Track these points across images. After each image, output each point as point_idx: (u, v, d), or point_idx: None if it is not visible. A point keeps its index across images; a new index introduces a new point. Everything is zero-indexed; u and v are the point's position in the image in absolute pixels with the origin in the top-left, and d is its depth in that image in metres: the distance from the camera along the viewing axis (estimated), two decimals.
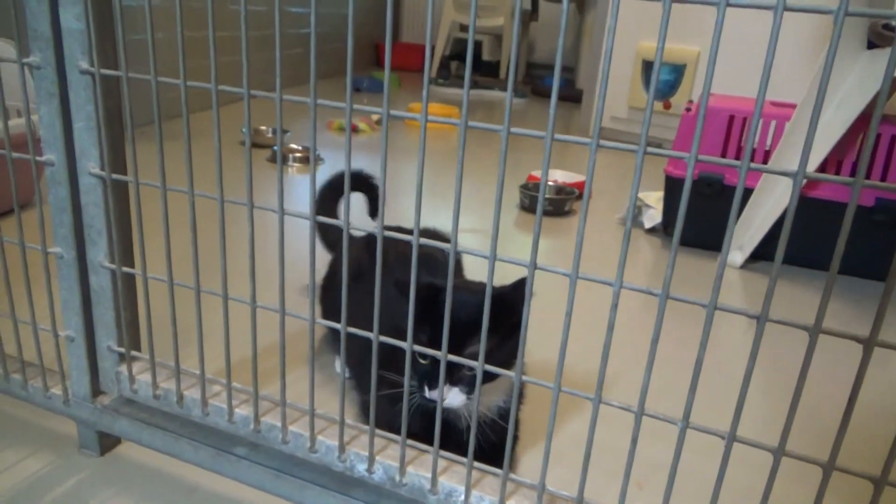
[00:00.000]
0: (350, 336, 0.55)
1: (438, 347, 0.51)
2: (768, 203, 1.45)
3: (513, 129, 0.46)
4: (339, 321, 0.54)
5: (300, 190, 1.81)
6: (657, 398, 0.93)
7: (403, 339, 0.52)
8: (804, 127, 1.39)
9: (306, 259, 0.58)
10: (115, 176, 0.60)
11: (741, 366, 1.05)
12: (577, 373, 1.00)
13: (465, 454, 0.55)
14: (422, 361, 0.65)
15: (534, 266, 0.48)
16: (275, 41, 0.50)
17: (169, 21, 2.33)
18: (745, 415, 0.92)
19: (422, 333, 0.62)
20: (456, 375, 0.63)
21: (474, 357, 0.51)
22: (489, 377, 0.60)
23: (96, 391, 0.70)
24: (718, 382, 0.99)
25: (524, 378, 0.51)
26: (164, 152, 0.56)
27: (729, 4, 0.40)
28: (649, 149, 0.44)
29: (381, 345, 0.53)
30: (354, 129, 2.57)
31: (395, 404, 0.64)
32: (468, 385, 0.64)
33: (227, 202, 0.56)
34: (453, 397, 0.63)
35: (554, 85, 0.43)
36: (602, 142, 0.44)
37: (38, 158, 0.61)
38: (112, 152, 0.61)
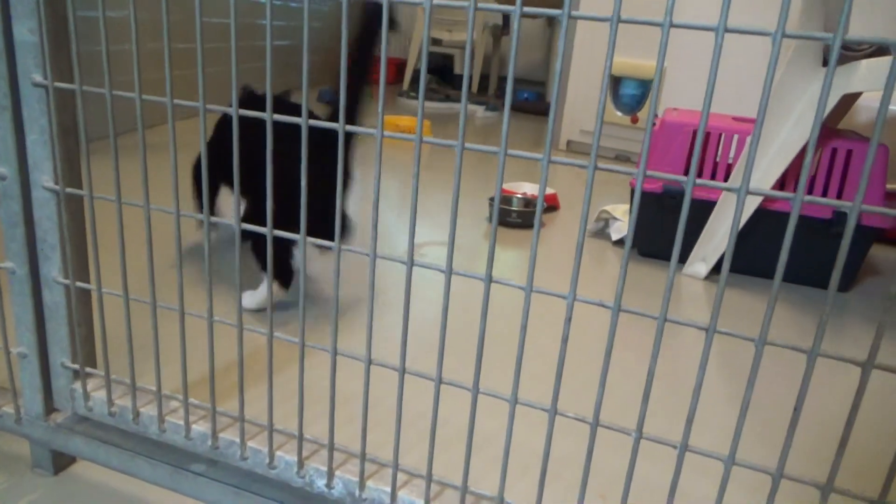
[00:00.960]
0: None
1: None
2: (730, 215, 1.48)
3: (467, 145, 0.46)
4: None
5: None
6: (623, 410, 0.94)
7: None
8: (763, 142, 1.42)
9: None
10: (69, 190, 0.60)
11: (707, 377, 1.06)
12: (542, 387, 1.00)
13: None
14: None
15: (489, 280, 0.49)
16: (238, 53, 0.50)
17: (130, 33, 2.30)
18: (709, 425, 0.93)
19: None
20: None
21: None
22: None
23: (50, 409, 0.69)
24: (683, 394, 1.00)
25: (481, 391, 0.51)
26: (126, 167, 0.56)
27: (673, 25, 0.41)
28: (599, 164, 0.45)
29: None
30: None
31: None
32: None
33: (183, 216, 0.56)
34: None
35: (506, 100, 0.44)
36: (553, 158, 0.45)
37: None
38: (66, 166, 0.60)
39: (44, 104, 0.58)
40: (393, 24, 1.40)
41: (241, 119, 0.50)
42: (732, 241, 0.44)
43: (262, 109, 0.49)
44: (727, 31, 0.40)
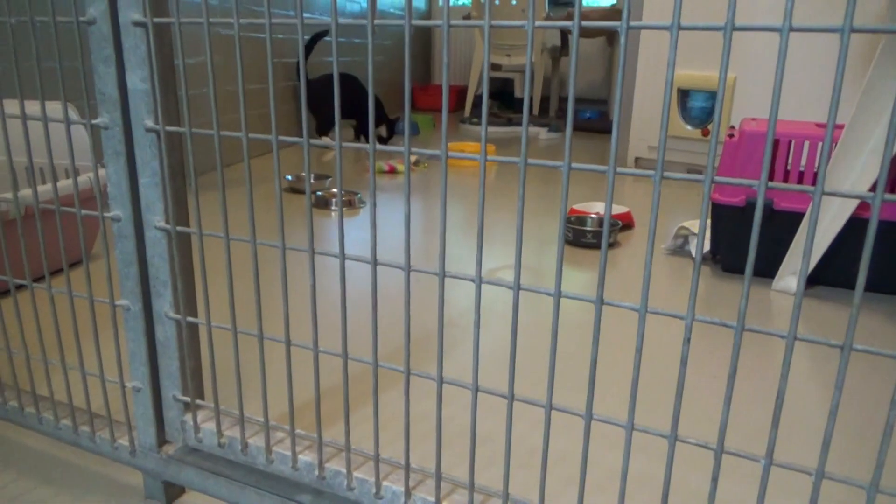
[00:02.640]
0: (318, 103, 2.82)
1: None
2: (822, 226, 1.41)
3: (529, 161, 0.46)
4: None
5: (348, 233, 1.83)
6: (706, 425, 0.90)
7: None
8: (853, 148, 1.36)
9: (361, 301, 0.58)
10: (179, 228, 0.62)
11: (802, 391, 1.01)
12: (616, 404, 0.97)
13: None
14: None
15: (559, 294, 0.48)
16: (303, 89, 0.51)
17: (226, 75, 2.42)
18: (811, 444, 0.88)
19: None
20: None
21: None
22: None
23: (162, 441, 0.71)
24: (772, 407, 0.95)
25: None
26: (229, 197, 0.58)
27: (735, 28, 0.40)
28: (666, 173, 0.43)
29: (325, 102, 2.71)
30: (393, 171, 2.61)
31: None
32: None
33: (288, 249, 0.57)
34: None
35: (569, 112, 0.43)
36: (619, 169, 0.44)
37: (105, 215, 0.64)
38: (175, 205, 0.63)
39: (155, 148, 0.61)
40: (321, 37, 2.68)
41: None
42: (811, 243, 0.41)
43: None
44: (792, 30, 0.38)
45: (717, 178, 0.45)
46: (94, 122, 0.62)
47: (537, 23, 0.45)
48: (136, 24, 0.58)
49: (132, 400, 0.70)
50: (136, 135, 0.61)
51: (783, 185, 0.42)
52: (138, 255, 0.64)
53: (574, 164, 0.46)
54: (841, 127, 1.50)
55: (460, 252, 1.68)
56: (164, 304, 0.65)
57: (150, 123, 0.60)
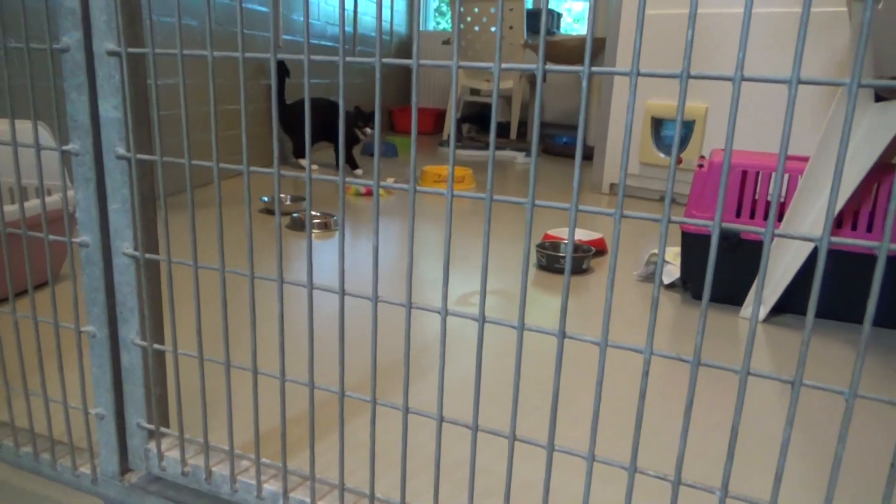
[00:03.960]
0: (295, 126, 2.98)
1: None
2: (788, 255, 1.45)
3: (495, 197, 0.47)
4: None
5: (322, 255, 1.83)
6: (688, 462, 0.91)
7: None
8: (817, 181, 1.40)
9: (332, 329, 0.58)
10: (148, 255, 0.62)
11: (770, 425, 1.02)
12: (585, 436, 0.98)
13: None
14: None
15: (521, 328, 0.49)
16: (275, 122, 0.52)
17: (198, 98, 2.42)
18: (787, 480, 0.89)
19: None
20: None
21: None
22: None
23: (125, 469, 0.70)
24: (748, 443, 0.97)
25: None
26: (198, 219, 0.58)
27: (744, 79, 0.42)
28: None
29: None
30: (370, 193, 2.62)
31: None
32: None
33: (257, 278, 0.57)
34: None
35: (532, 153, 0.45)
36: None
37: (73, 240, 0.63)
38: (145, 232, 0.63)
39: (126, 175, 0.61)
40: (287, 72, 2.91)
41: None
42: (817, 290, 0.43)
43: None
44: (801, 82, 0.40)
45: (676, 219, 0.46)
46: (65, 148, 0.62)
47: (504, 65, 0.46)
48: (111, 53, 0.59)
49: (95, 427, 0.69)
50: (106, 162, 0.61)
51: (736, 227, 0.43)
52: (106, 281, 0.64)
53: (538, 202, 0.47)
54: (803, 159, 1.54)
55: (436, 276, 1.69)
56: (131, 331, 0.65)
57: (121, 151, 0.60)
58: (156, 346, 0.65)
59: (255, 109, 2.91)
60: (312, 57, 0.50)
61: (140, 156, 0.60)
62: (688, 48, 0.42)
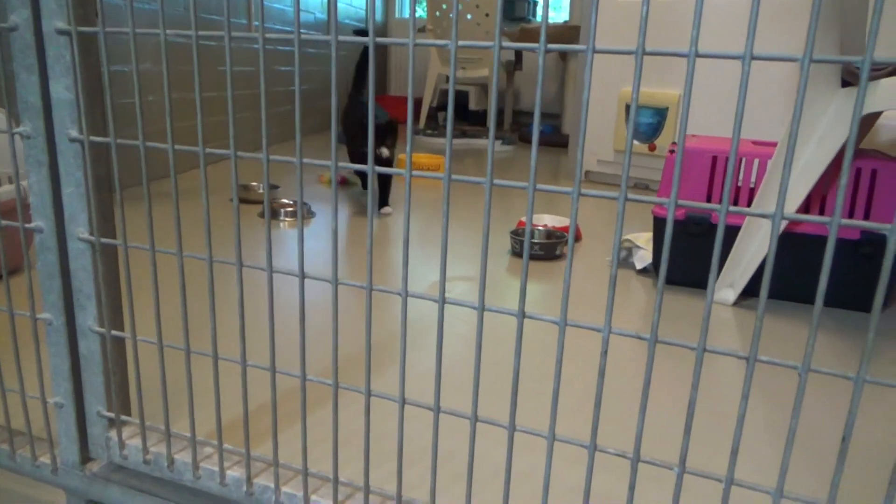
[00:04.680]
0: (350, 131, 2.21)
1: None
2: (756, 240, 1.47)
3: (496, 181, 0.47)
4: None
5: (293, 245, 1.82)
6: (659, 444, 0.92)
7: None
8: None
9: (296, 313, 0.58)
10: (104, 240, 0.61)
11: (736, 405, 1.04)
12: (577, 421, 0.99)
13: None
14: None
15: (521, 315, 0.49)
16: (263, 114, 0.51)
17: (158, 84, 2.37)
18: (751, 457, 0.91)
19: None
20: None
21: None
22: None
23: (85, 458, 0.69)
24: (718, 423, 0.98)
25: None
26: (157, 213, 0.57)
27: (699, 55, 0.42)
28: (630, 195, 0.45)
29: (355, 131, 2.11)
30: (345, 182, 2.60)
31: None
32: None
33: (216, 262, 0.56)
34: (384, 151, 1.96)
35: (534, 135, 0.44)
36: (583, 190, 0.45)
37: (26, 226, 0.62)
38: (101, 217, 0.61)
39: (79, 158, 0.60)
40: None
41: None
42: (770, 268, 0.43)
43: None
44: (754, 58, 0.40)
45: (683, 203, 0.46)
46: (15, 130, 0.60)
47: (504, 44, 0.46)
48: (61, 32, 0.57)
49: (54, 416, 0.68)
50: (59, 144, 0.60)
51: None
52: (61, 267, 0.62)
53: (539, 186, 0.47)
54: (773, 145, 1.56)
55: (412, 263, 1.68)
56: (89, 318, 0.63)
57: (74, 133, 0.59)
58: (114, 332, 0.63)
59: (217, 97, 2.87)
60: (303, 34, 0.49)
61: (93, 138, 0.58)
62: (643, 24, 0.42)
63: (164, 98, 2.37)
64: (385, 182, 2.20)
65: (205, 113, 3.05)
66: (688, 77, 0.42)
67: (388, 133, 2.05)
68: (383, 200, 2.19)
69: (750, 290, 1.51)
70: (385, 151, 2.02)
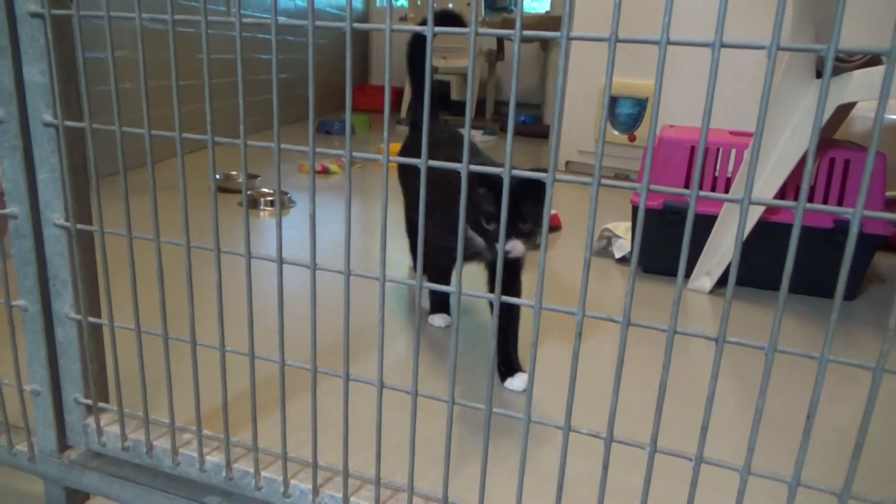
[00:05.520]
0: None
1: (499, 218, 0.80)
2: (732, 229, 1.49)
3: (472, 167, 0.47)
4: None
5: (273, 232, 1.81)
6: (633, 425, 0.94)
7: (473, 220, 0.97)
8: (762, 154, 1.44)
9: (275, 302, 0.58)
10: (80, 226, 0.60)
11: (717, 390, 1.06)
12: (553, 405, 1.00)
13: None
14: (488, 227, 0.96)
15: (499, 298, 0.49)
16: (241, 95, 0.51)
17: (137, 71, 2.34)
18: (719, 436, 0.93)
19: (488, 207, 0.95)
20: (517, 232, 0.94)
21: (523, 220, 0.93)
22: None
23: (63, 446, 0.69)
24: (692, 406, 1.00)
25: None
26: (138, 203, 0.56)
27: (670, 43, 0.42)
28: (603, 180, 0.46)
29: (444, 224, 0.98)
30: (326, 171, 2.59)
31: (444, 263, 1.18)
32: (525, 237, 0.95)
33: (193, 248, 0.56)
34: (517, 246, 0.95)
35: (510, 120, 0.45)
36: (558, 175, 0.46)
37: (1, 212, 0.61)
38: (77, 203, 0.61)
39: (54, 143, 0.59)
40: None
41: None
42: (738, 252, 0.44)
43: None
44: (723, 46, 0.41)
45: (655, 187, 0.47)
46: None
47: (480, 30, 0.46)
48: (34, 14, 0.56)
49: (31, 404, 0.67)
50: (33, 129, 0.59)
51: (715, 195, 0.44)
52: (37, 253, 0.62)
53: (514, 171, 0.47)
54: (750, 135, 1.58)
55: (390, 250, 1.68)
56: (65, 305, 0.63)
57: (48, 118, 0.58)
58: (91, 319, 0.63)
59: (196, 85, 2.84)
60: (280, 20, 0.49)
61: (68, 123, 0.58)
62: (616, 11, 0.43)
63: (142, 85, 2.34)
64: (512, 316, 1.07)
65: (184, 101, 3.01)
66: (659, 64, 0.42)
67: (527, 198, 0.92)
68: (508, 364, 1.05)
69: (726, 279, 1.53)
70: (518, 248, 0.95)
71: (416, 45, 1.37)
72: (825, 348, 0.42)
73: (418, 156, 0.46)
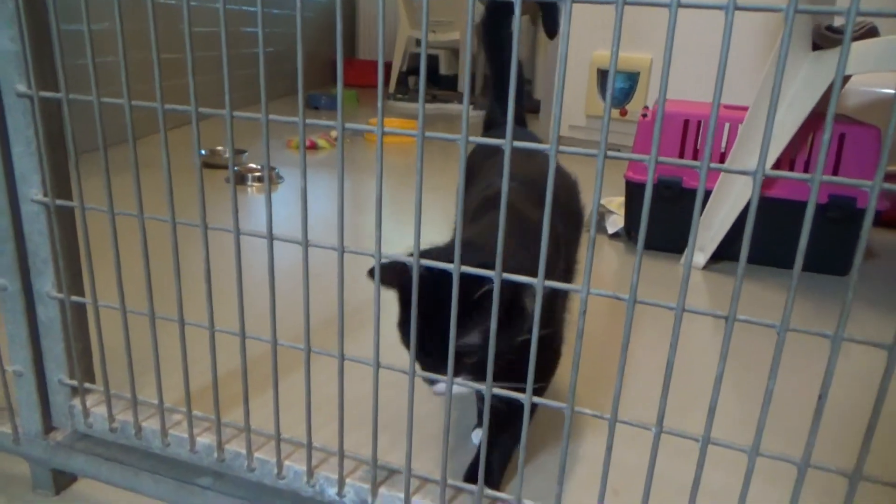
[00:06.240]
0: None
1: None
2: (727, 204, 1.48)
3: (470, 138, 0.45)
4: None
5: (261, 209, 1.78)
6: (635, 404, 0.93)
7: None
8: (757, 128, 1.42)
9: (265, 280, 0.56)
10: (59, 202, 0.58)
11: (712, 366, 1.05)
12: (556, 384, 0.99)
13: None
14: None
15: (500, 276, 0.47)
16: (225, 60, 0.49)
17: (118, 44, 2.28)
18: (720, 415, 0.92)
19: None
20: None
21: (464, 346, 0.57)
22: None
23: (48, 427, 0.67)
24: (692, 384, 0.99)
25: (495, 391, 0.50)
26: (120, 180, 0.54)
27: (680, 5, 0.40)
28: (609, 152, 0.44)
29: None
30: (314, 146, 2.55)
31: None
32: (471, 373, 0.58)
33: (179, 224, 0.54)
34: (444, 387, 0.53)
35: (511, 91, 0.43)
36: (562, 147, 0.44)
37: None
38: (56, 178, 0.58)
39: (29, 115, 0.56)
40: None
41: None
42: (751, 226, 0.43)
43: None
44: (737, 8, 0.39)
45: (663, 159, 0.45)
46: None
47: None
48: None
49: (13, 385, 0.65)
50: (6, 100, 0.56)
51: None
52: (14, 230, 0.59)
53: (515, 143, 0.45)
54: (743, 109, 1.56)
55: (385, 227, 1.66)
56: (46, 283, 0.61)
57: (21, 88, 0.55)
58: (74, 298, 0.61)
59: (179, 60, 2.78)
60: None
61: (43, 93, 0.55)
62: None
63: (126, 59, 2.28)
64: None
65: (167, 76, 2.95)
66: (669, 28, 0.40)
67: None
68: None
69: (719, 254, 1.52)
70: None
71: (495, 22, 1.03)
72: (839, 327, 0.41)
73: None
